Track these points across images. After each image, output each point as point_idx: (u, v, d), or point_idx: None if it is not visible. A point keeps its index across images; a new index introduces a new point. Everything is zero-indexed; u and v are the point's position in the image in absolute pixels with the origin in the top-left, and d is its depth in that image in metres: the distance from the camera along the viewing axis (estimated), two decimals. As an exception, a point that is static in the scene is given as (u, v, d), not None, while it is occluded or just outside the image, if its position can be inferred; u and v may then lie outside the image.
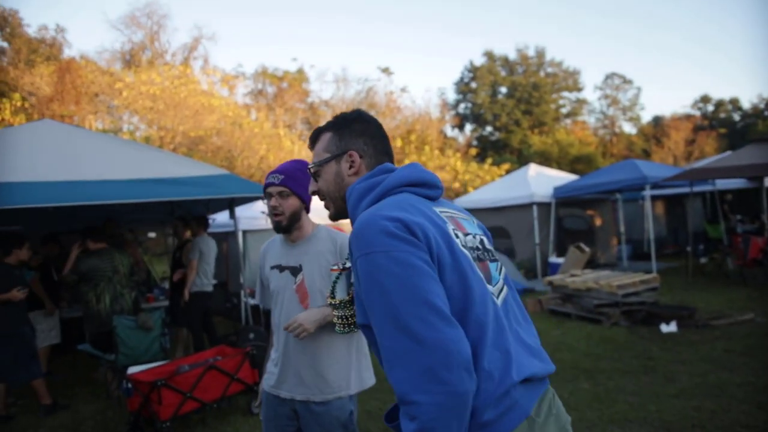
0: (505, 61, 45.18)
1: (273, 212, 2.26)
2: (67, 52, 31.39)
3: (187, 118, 21.73)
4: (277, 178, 2.23)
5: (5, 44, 31.63)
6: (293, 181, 2.23)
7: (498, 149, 41.29)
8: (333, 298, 1.76)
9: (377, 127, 1.55)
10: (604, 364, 5.44)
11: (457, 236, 1.30)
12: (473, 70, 44.93)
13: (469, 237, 1.37)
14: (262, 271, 2.44)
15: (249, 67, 65.47)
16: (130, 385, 4.14)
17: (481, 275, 1.28)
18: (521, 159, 35.15)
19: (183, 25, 56.43)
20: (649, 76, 68.66)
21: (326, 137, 1.54)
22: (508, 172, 26.62)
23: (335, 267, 1.74)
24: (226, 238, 9.72)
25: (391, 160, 1.54)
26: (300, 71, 40.54)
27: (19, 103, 19.14)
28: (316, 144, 1.58)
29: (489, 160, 32.57)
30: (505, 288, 1.40)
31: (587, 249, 10.41)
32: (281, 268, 2.32)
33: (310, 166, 1.57)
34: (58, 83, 22.29)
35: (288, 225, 2.28)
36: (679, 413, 4.07)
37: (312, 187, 1.57)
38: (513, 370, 1.22)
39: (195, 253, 6.06)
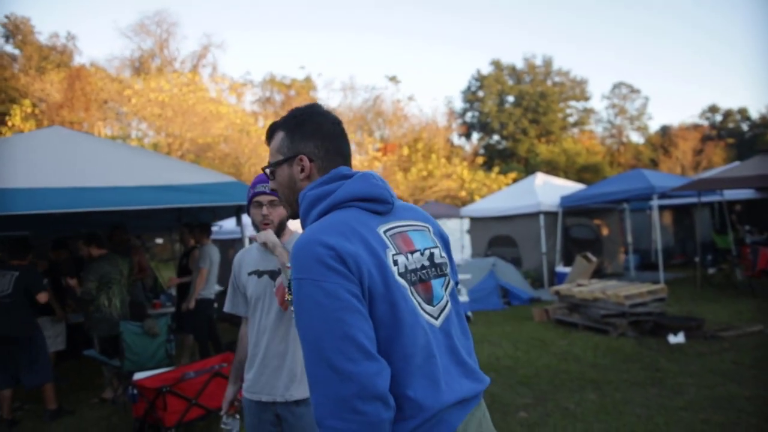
0: (513, 70, 45.26)
1: (263, 221, 2.33)
2: (78, 60, 31.68)
3: (195, 125, 21.87)
4: (266, 187, 2.29)
5: (17, 51, 31.97)
6: None
7: (505, 158, 41.31)
8: (291, 293, 1.79)
9: (332, 123, 1.50)
10: (611, 375, 5.40)
11: (396, 263, 1.31)
12: (480, 79, 45.03)
13: (416, 255, 1.38)
14: (237, 278, 2.49)
15: (257, 75, 65.95)
16: (135, 391, 4.14)
17: (417, 301, 1.32)
18: (528, 168, 35.16)
19: (192, 33, 56.93)
20: (657, 86, 68.62)
21: (279, 136, 1.51)
22: (515, 180, 26.61)
23: (289, 265, 1.77)
24: (232, 244, 9.76)
25: (346, 160, 1.51)
26: (308, 79, 40.73)
27: (29, 110, 19.33)
28: (271, 141, 1.55)
29: (496, 169, 32.58)
30: (449, 304, 1.42)
31: (594, 258, 10.35)
32: (260, 273, 2.38)
33: (264, 167, 1.57)
34: (68, 90, 22.50)
35: (277, 232, 2.35)
36: (687, 426, 4.03)
37: (270, 185, 1.57)
38: (442, 396, 1.28)
39: (206, 261, 6.08)
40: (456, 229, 17.28)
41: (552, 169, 32.63)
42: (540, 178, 14.01)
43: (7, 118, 18.64)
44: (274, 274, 2.35)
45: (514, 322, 8.39)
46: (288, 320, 2.31)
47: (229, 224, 9.28)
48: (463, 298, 8.88)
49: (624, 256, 13.36)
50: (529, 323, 8.27)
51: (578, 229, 13.02)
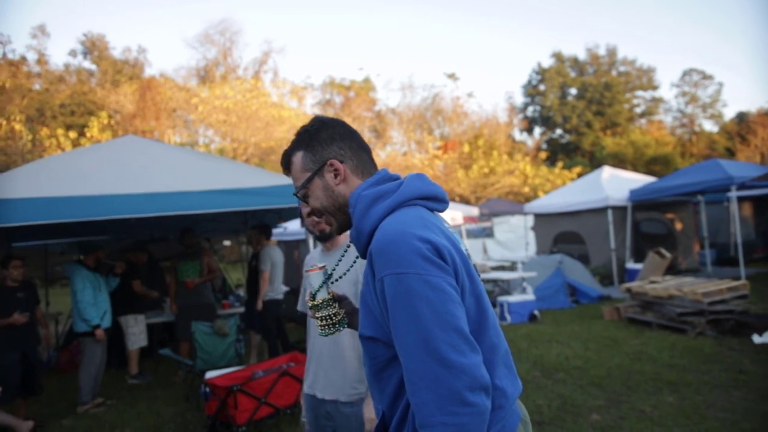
0: (575, 62, 43.99)
1: (317, 223, 2.26)
2: (148, 71, 33.23)
3: (258, 129, 22.47)
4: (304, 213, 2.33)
5: (94, 66, 33.85)
6: None
7: (569, 152, 40.22)
8: (314, 299, 1.72)
9: (342, 125, 1.48)
10: (689, 376, 5.13)
11: (469, 257, 1.31)
12: (541, 72, 44.03)
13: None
14: (304, 279, 2.56)
15: (317, 78, 67.01)
16: (207, 389, 4.27)
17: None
18: (593, 162, 34.06)
19: (254, 40, 58.47)
20: (732, 71, 64.79)
21: (298, 158, 1.46)
22: (579, 175, 25.85)
23: (313, 268, 1.71)
24: (297, 245, 9.93)
25: (369, 154, 1.49)
26: (366, 80, 41.07)
27: (105, 121, 20.38)
28: (290, 169, 1.50)
29: (560, 164, 31.77)
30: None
31: (668, 254, 9.89)
32: None
33: (295, 193, 1.50)
34: (140, 100, 23.60)
35: (332, 233, 2.32)
36: (777, 432, 3.77)
37: (305, 210, 1.53)
38: (518, 384, 1.36)
39: (267, 263, 6.22)
40: (520, 225, 16.97)
41: (619, 162, 31.48)
42: (607, 172, 13.53)
43: (86, 129, 19.74)
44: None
45: (583, 321, 8.13)
46: None
47: (293, 225, 9.46)
48: (529, 296, 8.69)
49: (699, 251, 12.71)
50: (599, 322, 7.99)
51: (649, 223, 12.49)
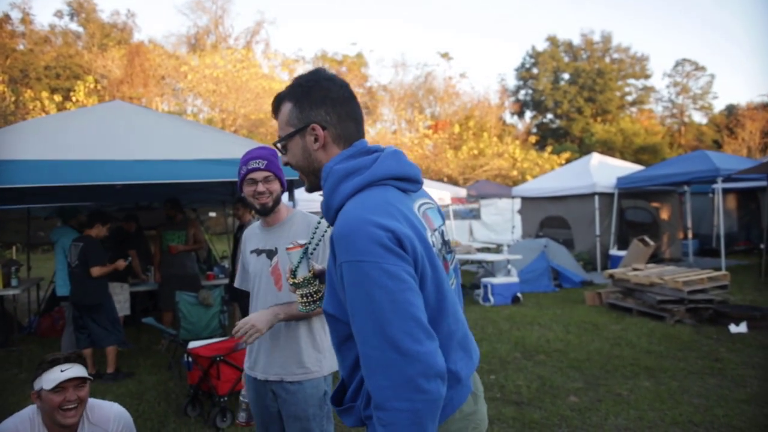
0: (569, 47, 43.87)
1: (259, 198, 2.31)
2: (137, 36, 32.59)
3: (248, 101, 22.21)
4: (261, 163, 2.29)
5: (81, 29, 33.09)
6: (275, 165, 2.33)
7: (558, 137, 40.31)
8: (294, 277, 1.75)
9: (340, 87, 1.42)
10: (666, 362, 5.22)
11: (434, 244, 1.31)
12: (535, 56, 43.87)
13: (436, 234, 1.38)
14: (243, 255, 2.52)
15: (309, 52, 66.06)
16: (190, 359, 4.27)
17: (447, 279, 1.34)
18: (582, 148, 34.21)
19: (246, 10, 57.40)
20: (724, 62, 65.05)
21: (287, 108, 1.43)
22: (568, 161, 25.96)
23: (291, 246, 1.73)
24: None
25: (359, 124, 1.44)
26: (359, 55, 40.68)
27: (92, 86, 20.00)
28: (278, 113, 1.47)
29: (549, 149, 31.84)
30: (455, 280, 1.46)
31: (651, 243, 10.00)
32: (258, 252, 2.40)
33: (275, 143, 1.50)
34: (128, 66, 23.17)
35: (273, 206, 2.35)
36: (749, 420, 3.86)
37: (283, 159, 1.50)
38: (472, 365, 1.39)
39: None
40: (507, 209, 17.03)
41: (608, 149, 31.61)
42: (596, 158, 13.56)
43: (71, 93, 19.37)
44: (271, 254, 2.37)
45: (565, 305, 8.22)
46: (284, 300, 2.29)
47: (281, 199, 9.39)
48: (513, 278, 8.76)
49: (682, 241, 12.86)
50: (580, 307, 8.09)
51: (634, 211, 12.59)
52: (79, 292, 5.34)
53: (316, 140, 1.39)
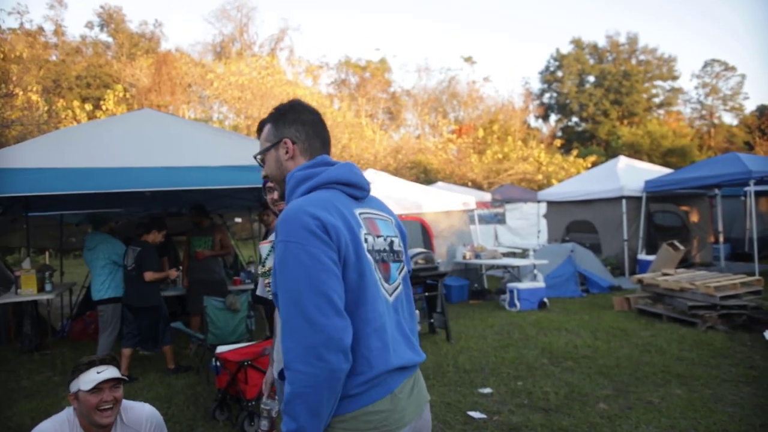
0: (594, 49, 43.37)
1: (278, 203, 2.40)
2: (164, 46, 33.18)
3: (272, 107, 22.37)
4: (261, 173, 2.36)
5: (110, 39, 33.83)
6: None
7: (584, 141, 39.82)
8: (263, 266, 1.94)
9: (310, 112, 1.72)
10: (699, 370, 5.11)
11: (367, 240, 1.51)
12: (559, 59, 43.47)
13: (380, 240, 1.59)
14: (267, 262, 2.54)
15: (333, 58, 66.54)
16: (218, 364, 4.32)
17: (379, 276, 1.53)
18: (609, 151, 33.74)
19: (270, 18, 58.07)
20: (756, 62, 63.53)
21: (267, 128, 1.72)
22: (594, 164, 25.62)
23: (265, 241, 1.93)
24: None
25: (324, 143, 1.71)
26: (382, 61, 40.76)
27: (121, 94, 20.40)
28: (260, 134, 1.76)
29: (574, 152, 31.48)
30: (401, 286, 1.65)
31: (681, 247, 9.81)
32: None
33: (255, 155, 1.76)
34: (156, 75, 23.58)
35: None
36: (786, 428, 3.75)
37: (262, 172, 1.75)
38: (390, 359, 1.49)
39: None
40: (532, 213, 16.86)
41: (635, 152, 31.11)
42: (623, 162, 13.37)
43: (101, 102, 19.79)
44: None
45: (592, 311, 8.11)
46: None
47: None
48: (539, 283, 8.67)
49: (713, 246, 12.58)
50: (608, 312, 7.96)
51: (663, 215, 12.36)
52: (135, 294, 5.57)
53: (286, 152, 1.67)
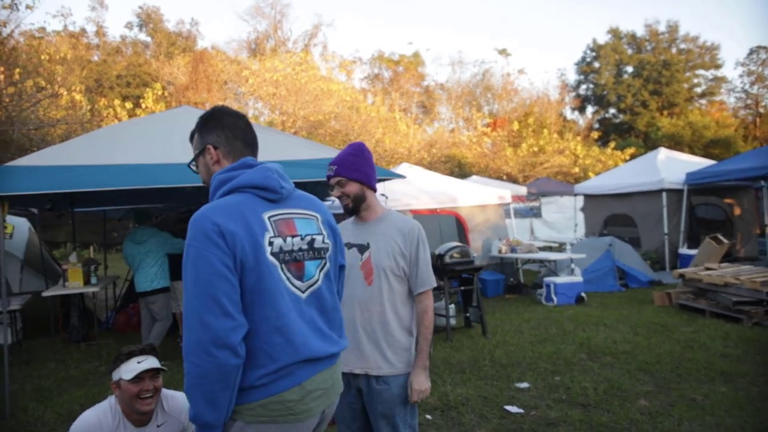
0: (632, 38, 42.27)
1: (339, 198, 2.46)
2: (201, 44, 33.75)
3: (307, 103, 22.55)
4: (331, 170, 2.43)
5: (149, 39, 34.59)
6: (345, 168, 2.40)
7: (622, 132, 38.94)
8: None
9: (231, 116, 1.83)
10: (745, 367, 4.97)
11: (271, 244, 1.62)
12: (596, 49, 42.53)
13: (296, 239, 1.70)
14: None
15: (366, 52, 66.64)
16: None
17: (286, 276, 1.64)
18: (648, 143, 32.92)
19: (303, 14, 58.43)
20: (804, 50, 60.89)
21: (195, 137, 1.86)
22: (632, 156, 25.03)
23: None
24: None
25: (247, 144, 1.82)
26: (416, 55, 40.62)
27: (160, 92, 20.82)
28: (192, 142, 1.89)
29: (612, 144, 30.82)
30: (319, 282, 1.75)
31: (725, 241, 9.52)
32: (350, 246, 2.46)
33: (188, 163, 1.89)
34: (193, 73, 23.98)
35: (354, 206, 2.45)
36: (838, 428, 3.62)
37: (200, 177, 1.87)
38: (296, 352, 1.60)
39: None
40: (569, 206, 16.60)
41: (675, 144, 30.23)
42: (663, 153, 13.03)
43: (141, 100, 20.25)
44: (362, 248, 2.43)
45: (632, 306, 7.96)
46: (374, 295, 2.36)
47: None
48: (577, 278, 8.54)
49: (759, 239, 12.17)
50: (648, 307, 7.81)
51: (706, 208, 12.02)
52: None
53: (211, 157, 1.79)
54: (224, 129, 1.79)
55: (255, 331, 1.56)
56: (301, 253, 1.71)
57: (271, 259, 1.62)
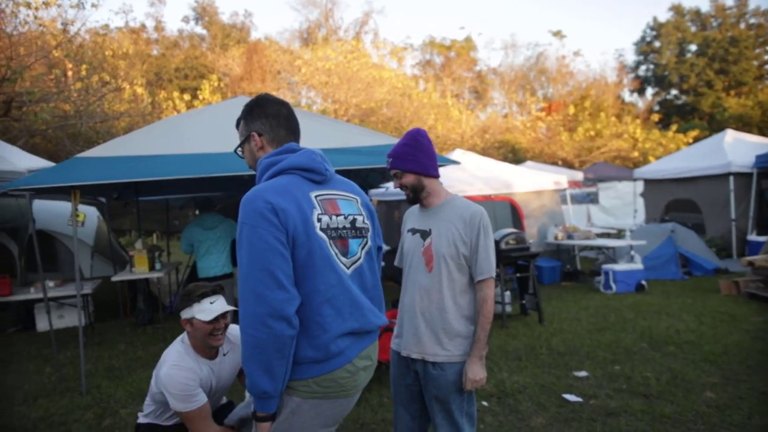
0: (696, 15, 40.27)
1: (400, 188, 2.48)
2: (254, 35, 34.34)
3: (359, 90, 22.62)
4: (388, 163, 2.46)
5: (204, 32, 35.45)
6: (399, 160, 2.43)
7: (684, 114, 37.31)
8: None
9: (274, 104, 1.92)
10: (820, 359, 4.71)
11: (320, 220, 1.73)
12: (657, 28, 40.77)
13: (340, 218, 1.80)
14: (402, 234, 2.62)
15: (417, 39, 66.19)
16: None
17: (334, 251, 1.74)
18: (713, 125, 31.44)
19: (354, 2, 58.46)
20: None
21: (240, 125, 1.96)
22: (696, 139, 24.00)
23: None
24: (398, 205, 10.01)
25: (290, 132, 1.92)
26: (467, 39, 40.03)
27: (216, 84, 21.34)
28: (238, 129, 1.99)
29: (674, 127, 29.59)
30: (361, 260, 1.85)
31: (798, 227, 9.02)
32: (414, 231, 2.49)
33: (235, 149, 2.01)
34: (247, 63, 24.48)
35: (414, 196, 2.48)
36: None
37: (245, 161, 1.98)
38: (345, 323, 1.73)
39: None
40: (628, 192, 16.08)
41: (743, 125, 28.74)
42: (730, 135, 12.41)
43: (198, 92, 20.82)
44: (425, 234, 2.43)
45: (696, 294, 7.66)
46: (434, 282, 2.36)
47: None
48: (637, 265, 8.28)
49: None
50: (714, 296, 7.50)
51: (777, 192, 11.41)
52: None
53: (256, 144, 1.90)
54: (268, 117, 1.89)
55: (306, 303, 1.66)
56: (345, 231, 1.80)
57: (321, 234, 1.71)
